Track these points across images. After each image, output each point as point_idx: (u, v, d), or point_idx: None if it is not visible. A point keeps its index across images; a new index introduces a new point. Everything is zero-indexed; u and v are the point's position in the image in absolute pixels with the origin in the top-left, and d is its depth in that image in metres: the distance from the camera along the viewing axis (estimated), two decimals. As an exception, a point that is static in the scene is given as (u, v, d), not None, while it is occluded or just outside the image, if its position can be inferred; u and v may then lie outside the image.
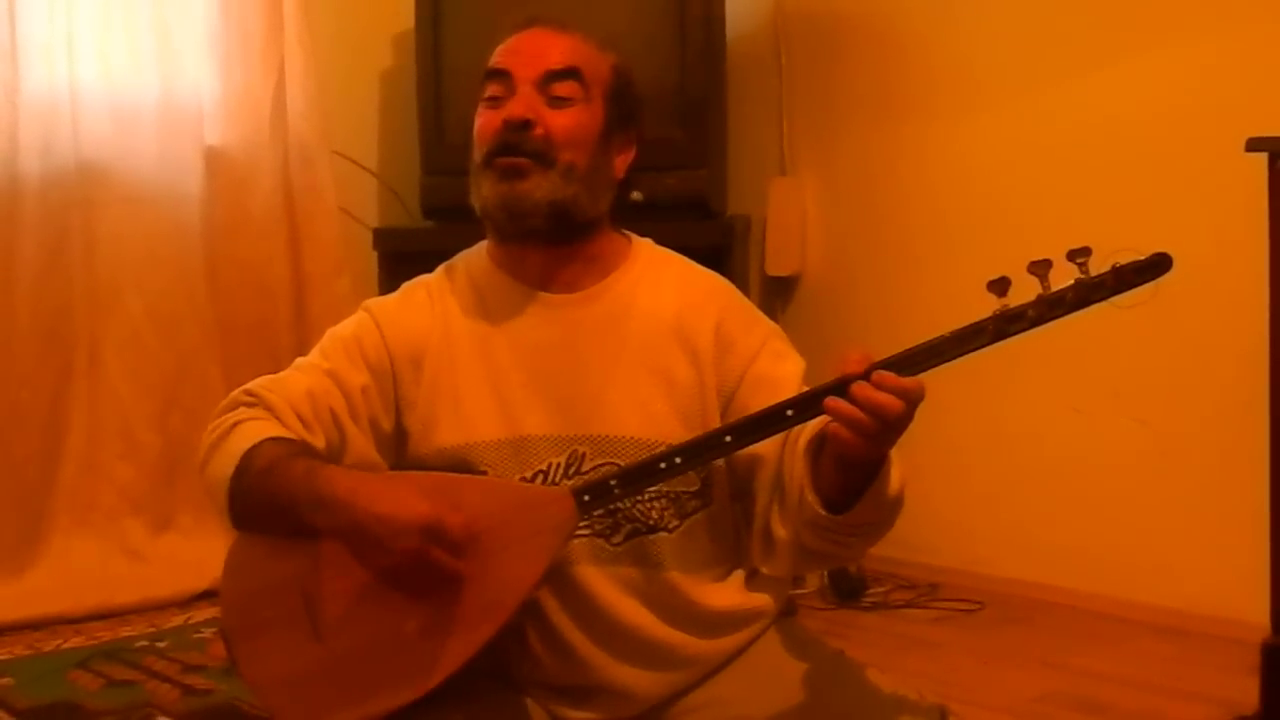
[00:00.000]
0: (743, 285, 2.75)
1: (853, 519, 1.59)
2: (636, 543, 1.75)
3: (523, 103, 1.77)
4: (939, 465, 3.39)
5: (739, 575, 1.82)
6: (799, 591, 3.28)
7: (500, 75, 1.80)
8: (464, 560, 1.61)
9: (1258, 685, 2.35)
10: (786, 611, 1.89)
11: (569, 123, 1.78)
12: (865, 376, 1.50)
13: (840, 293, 3.75)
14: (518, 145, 1.76)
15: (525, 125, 1.76)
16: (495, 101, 1.79)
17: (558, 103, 1.78)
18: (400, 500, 1.61)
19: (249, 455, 1.70)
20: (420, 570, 1.61)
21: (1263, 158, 2.30)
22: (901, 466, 1.61)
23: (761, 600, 1.81)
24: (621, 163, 1.85)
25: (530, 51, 1.80)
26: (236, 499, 1.72)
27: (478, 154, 1.80)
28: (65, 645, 3.04)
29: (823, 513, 1.60)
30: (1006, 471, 3.43)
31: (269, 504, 1.69)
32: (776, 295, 3.85)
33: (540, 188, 1.75)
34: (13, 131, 3.29)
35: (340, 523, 1.63)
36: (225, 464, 1.72)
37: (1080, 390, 3.28)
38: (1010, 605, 3.27)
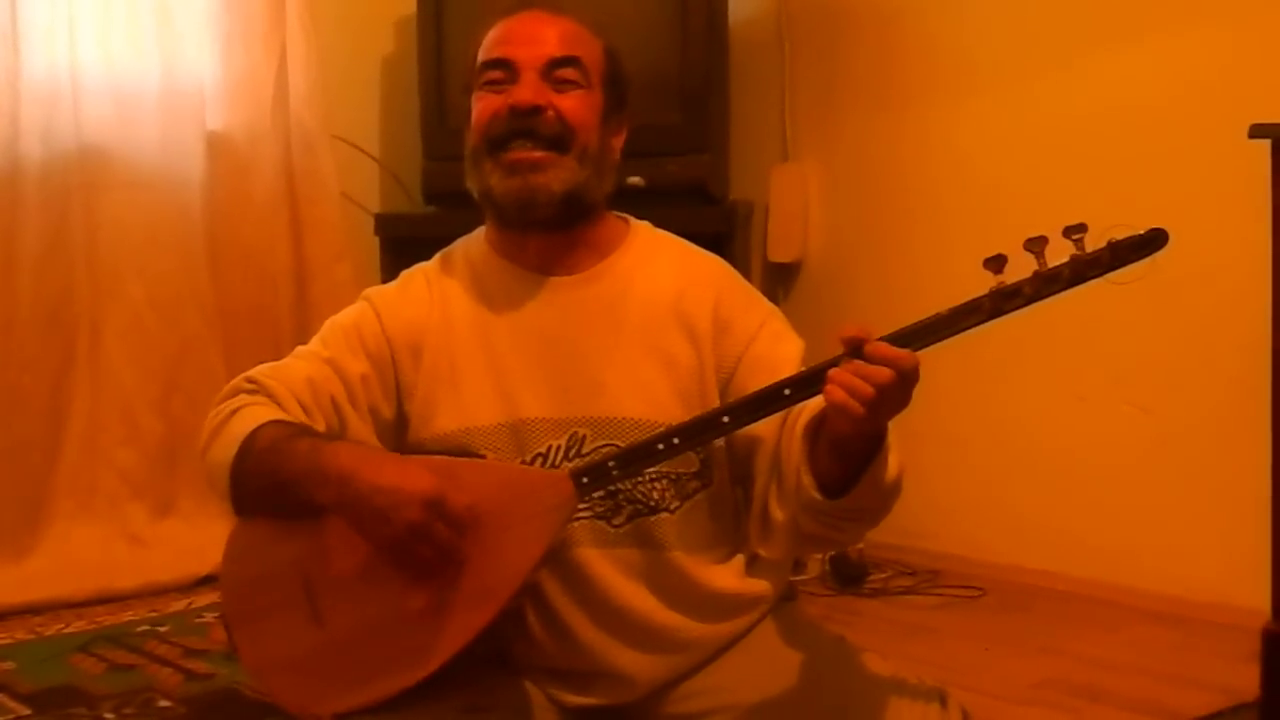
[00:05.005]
0: (744, 271, 2.74)
1: (848, 503, 1.58)
2: (638, 524, 1.75)
3: (530, 89, 1.76)
4: (941, 452, 3.39)
5: (740, 559, 1.82)
6: (800, 577, 3.28)
7: (502, 64, 1.78)
8: (464, 542, 1.62)
9: (1258, 672, 2.35)
10: (786, 597, 1.89)
11: (577, 105, 1.78)
12: (858, 352, 1.49)
13: (842, 279, 3.75)
14: (532, 132, 1.75)
15: (535, 111, 1.75)
16: (496, 85, 1.78)
17: (563, 86, 1.78)
18: (405, 473, 1.62)
19: (251, 438, 1.71)
20: (420, 547, 1.60)
21: (1266, 144, 2.29)
22: (900, 454, 1.60)
23: (761, 585, 1.81)
24: (617, 145, 1.85)
25: (530, 38, 1.79)
26: (238, 481, 1.72)
27: (478, 138, 1.79)
28: (67, 630, 3.05)
29: (818, 496, 1.59)
30: (1008, 458, 3.43)
31: (271, 483, 1.69)
32: (778, 281, 3.85)
33: (557, 179, 1.75)
34: (14, 115, 3.29)
35: (344, 496, 1.63)
36: (227, 448, 1.72)
37: (1082, 377, 3.28)
38: (1011, 592, 3.27)
